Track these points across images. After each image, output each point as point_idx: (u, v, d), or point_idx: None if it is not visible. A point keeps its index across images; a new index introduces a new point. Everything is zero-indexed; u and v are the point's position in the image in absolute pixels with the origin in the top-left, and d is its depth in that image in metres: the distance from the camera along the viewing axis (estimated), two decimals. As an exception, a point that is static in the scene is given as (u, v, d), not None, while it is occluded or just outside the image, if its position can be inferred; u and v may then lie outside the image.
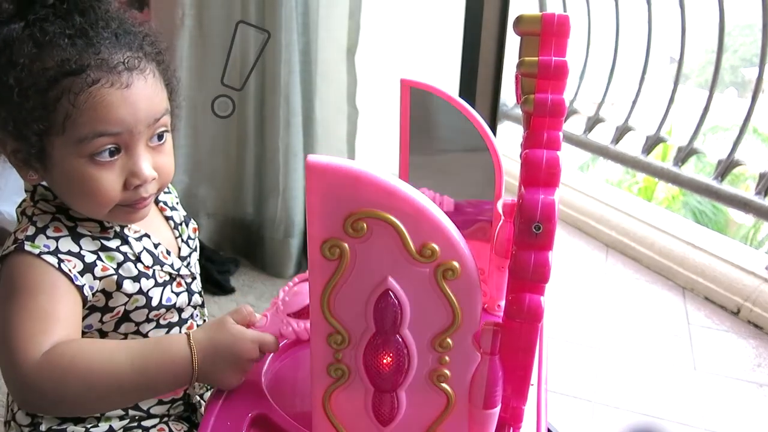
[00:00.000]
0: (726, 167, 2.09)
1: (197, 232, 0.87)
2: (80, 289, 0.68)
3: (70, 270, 0.67)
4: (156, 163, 0.71)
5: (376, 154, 3.08)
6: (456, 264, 0.44)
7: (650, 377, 1.77)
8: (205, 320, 0.84)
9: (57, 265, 0.66)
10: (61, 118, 0.64)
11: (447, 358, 0.48)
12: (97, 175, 0.67)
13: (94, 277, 0.69)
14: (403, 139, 0.82)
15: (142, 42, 0.70)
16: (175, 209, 0.85)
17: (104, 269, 0.70)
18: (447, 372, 0.49)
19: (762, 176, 2.02)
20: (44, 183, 0.73)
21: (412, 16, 2.93)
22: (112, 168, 0.67)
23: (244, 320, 0.68)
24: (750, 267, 2.15)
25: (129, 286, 0.71)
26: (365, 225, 0.43)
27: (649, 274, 2.37)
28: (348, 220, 0.43)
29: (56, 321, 0.64)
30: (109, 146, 0.66)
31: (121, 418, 0.77)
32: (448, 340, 0.47)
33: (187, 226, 0.85)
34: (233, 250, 2.12)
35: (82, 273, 0.68)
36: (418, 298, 0.46)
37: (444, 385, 0.49)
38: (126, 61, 0.66)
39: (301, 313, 0.71)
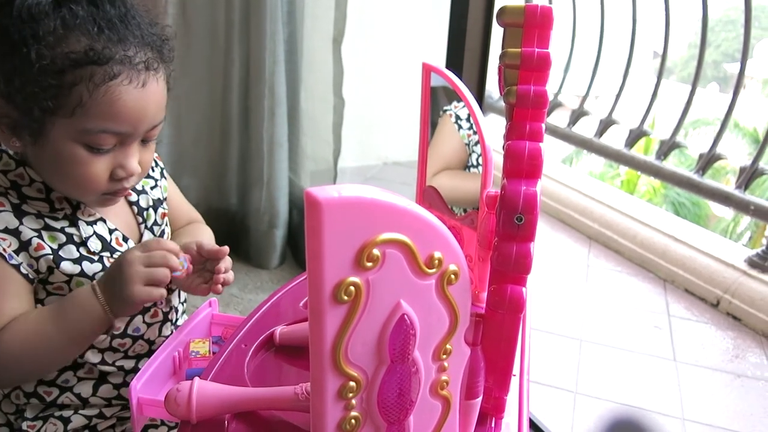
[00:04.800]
0: (707, 161, 2.12)
1: (165, 217, 0.86)
2: (17, 268, 0.68)
3: (4, 249, 0.68)
4: (141, 159, 0.72)
5: (362, 143, 3.09)
6: (456, 267, 0.43)
7: (631, 368, 1.79)
8: (172, 307, 0.83)
9: None
10: (74, 104, 0.64)
11: (446, 364, 0.47)
12: (89, 161, 0.68)
13: (30, 256, 0.70)
14: (423, 122, 0.81)
15: (162, 44, 0.71)
16: (145, 192, 0.83)
17: (39, 248, 0.70)
18: (446, 378, 0.47)
19: (742, 170, 2.04)
20: (10, 152, 0.72)
21: (398, 6, 2.92)
22: (104, 158, 0.68)
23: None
24: (729, 260, 2.18)
25: (68, 267, 0.71)
26: (379, 253, 0.39)
27: (630, 266, 2.40)
28: (363, 252, 0.38)
29: None
30: (110, 142, 0.67)
31: (109, 405, 0.77)
32: (448, 345, 0.46)
33: (155, 211, 0.84)
34: (217, 241, 2.11)
35: (17, 251, 0.69)
36: (425, 312, 0.43)
37: (444, 392, 0.48)
38: (147, 61, 0.67)
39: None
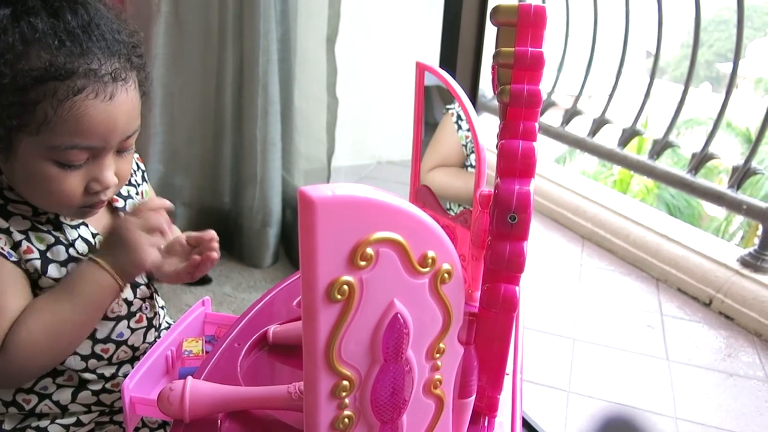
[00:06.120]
0: (700, 160, 2.13)
1: None
2: (17, 264, 0.67)
3: (2, 248, 0.66)
4: (118, 169, 0.70)
5: (356, 143, 3.09)
6: (449, 266, 0.43)
7: (624, 367, 1.80)
8: (156, 312, 0.83)
9: None
10: (39, 121, 0.62)
11: (440, 363, 0.47)
12: (61, 178, 0.65)
13: (21, 258, 0.68)
14: (417, 121, 0.81)
15: (131, 52, 0.68)
16: (131, 198, 0.82)
17: (28, 251, 0.68)
18: (440, 377, 0.47)
19: (735, 169, 2.05)
20: None
21: (392, 5, 2.93)
22: (77, 173, 0.66)
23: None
24: (722, 259, 2.19)
25: (54, 272, 0.70)
26: (372, 252, 0.39)
27: (623, 266, 2.40)
28: (357, 251, 0.38)
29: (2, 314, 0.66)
30: (81, 157, 0.65)
31: (88, 411, 0.76)
32: (441, 344, 0.46)
33: None
34: (210, 240, 2.10)
35: (13, 249, 0.67)
36: (418, 311, 0.43)
37: (437, 390, 0.48)
38: (113, 72, 0.64)
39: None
